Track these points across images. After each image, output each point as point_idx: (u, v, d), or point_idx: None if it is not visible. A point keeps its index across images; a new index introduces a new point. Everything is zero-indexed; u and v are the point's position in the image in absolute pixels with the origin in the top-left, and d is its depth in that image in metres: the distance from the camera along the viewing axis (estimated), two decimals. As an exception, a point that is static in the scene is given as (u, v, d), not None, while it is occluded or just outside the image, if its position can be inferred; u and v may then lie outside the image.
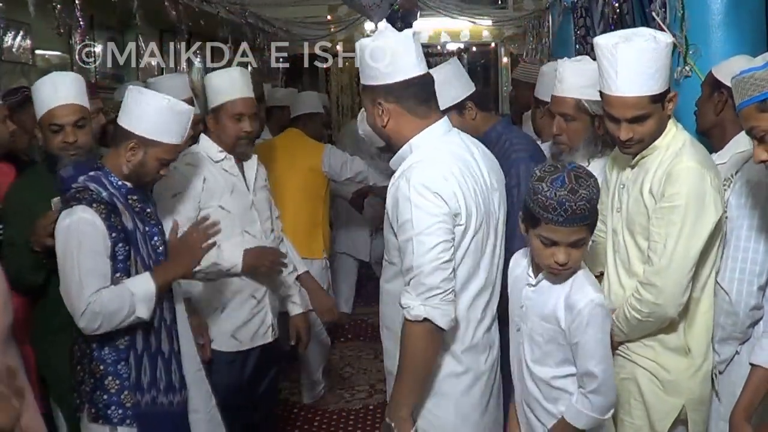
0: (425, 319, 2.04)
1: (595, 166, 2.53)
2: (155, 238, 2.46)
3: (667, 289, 2.17)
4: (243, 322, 2.99)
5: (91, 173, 2.39)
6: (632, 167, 2.30)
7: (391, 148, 2.27)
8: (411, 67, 2.18)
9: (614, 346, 2.33)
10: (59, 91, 2.70)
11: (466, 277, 2.17)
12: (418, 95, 2.20)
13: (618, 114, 2.17)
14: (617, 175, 2.39)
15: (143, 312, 2.30)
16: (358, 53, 2.21)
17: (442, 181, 2.10)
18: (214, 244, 2.47)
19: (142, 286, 2.31)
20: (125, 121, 2.40)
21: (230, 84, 2.98)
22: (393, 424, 2.11)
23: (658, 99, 2.15)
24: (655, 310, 2.19)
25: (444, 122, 2.25)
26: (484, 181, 2.23)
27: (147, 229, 2.43)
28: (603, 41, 2.16)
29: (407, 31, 2.21)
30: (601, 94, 2.22)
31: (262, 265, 2.96)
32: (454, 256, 2.10)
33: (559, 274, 2.03)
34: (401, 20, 5.38)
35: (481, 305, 2.23)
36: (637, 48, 2.10)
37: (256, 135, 3.10)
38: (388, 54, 2.16)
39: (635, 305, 2.22)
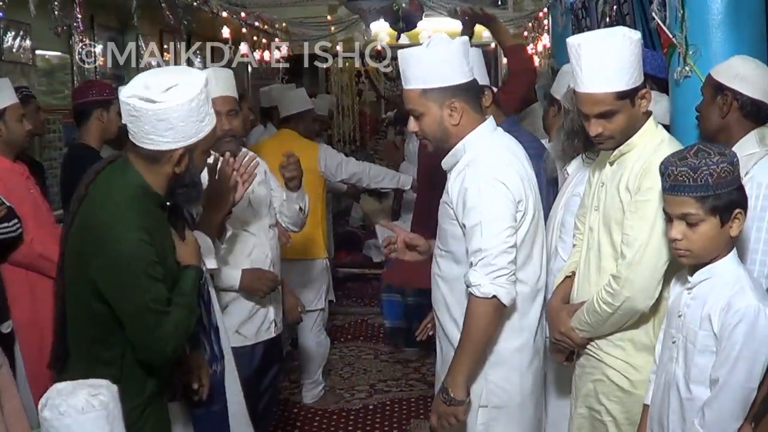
0: (493, 297, 2.22)
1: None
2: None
3: (638, 282, 2.16)
4: (246, 317, 2.99)
5: None
6: (611, 164, 2.32)
7: (445, 148, 2.42)
8: (469, 71, 2.38)
9: (582, 342, 2.34)
10: None
11: (526, 257, 2.37)
12: (476, 96, 2.44)
13: (585, 110, 2.23)
14: (598, 173, 2.40)
15: (212, 263, 2.44)
16: (415, 58, 2.33)
17: (505, 171, 2.32)
18: (251, 178, 2.62)
19: (202, 241, 2.41)
20: None
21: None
22: (450, 389, 2.27)
23: (626, 96, 2.17)
24: (626, 303, 2.18)
25: (491, 120, 2.45)
26: (527, 171, 2.43)
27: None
28: (572, 40, 2.21)
29: (463, 39, 2.38)
30: (574, 91, 2.28)
31: (260, 290, 2.94)
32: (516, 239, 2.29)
33: (681, 257, 1.99)
34: (404, 20, 5.36)
35: (542, 286, 2.44)
36: (601, 45, 2.15)
37: (238, 132, 2.99)
38: (457, 57, 2.33)
39: (606, 298, 2.21)
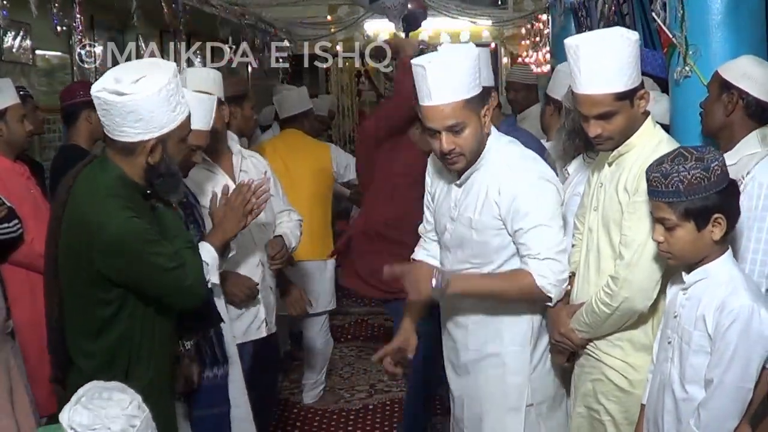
0: (548, 296, 2.30)
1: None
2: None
3: (636, 282, 2.17)
4: (235, 316, 2.98)
5: None
6: (610, 164, 2.32)
7: (475, 156, 2.34)
8: None
9: (581, 343, 2.35)
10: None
11: None
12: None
13: (584, 111, 2.23)
14: (597, 174, 2.40)
15: (216, 278, 2.45)
16: (458, 67, 2.21)
17: (547, 169, 2.37)
18: (261, 206, 2.59)
19: (208, 255, 2.43)
20: None
21: None
22: (448, 284, 2.28)
23: (625, 96, 2.18)
24: (624, 304, 2.19)
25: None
26: None
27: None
28: (570, 41, 2.21)
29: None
30: (572, 92, 2.28)
31: (236, 295, 2.93)
32: None
33: (666, 259, 2.03)
34: (408, 21, 5.34)
35: None
36: (599, 47, 2.15)
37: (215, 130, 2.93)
38: (478, 59, 2.30)
39: (605, 299, 2.22)
